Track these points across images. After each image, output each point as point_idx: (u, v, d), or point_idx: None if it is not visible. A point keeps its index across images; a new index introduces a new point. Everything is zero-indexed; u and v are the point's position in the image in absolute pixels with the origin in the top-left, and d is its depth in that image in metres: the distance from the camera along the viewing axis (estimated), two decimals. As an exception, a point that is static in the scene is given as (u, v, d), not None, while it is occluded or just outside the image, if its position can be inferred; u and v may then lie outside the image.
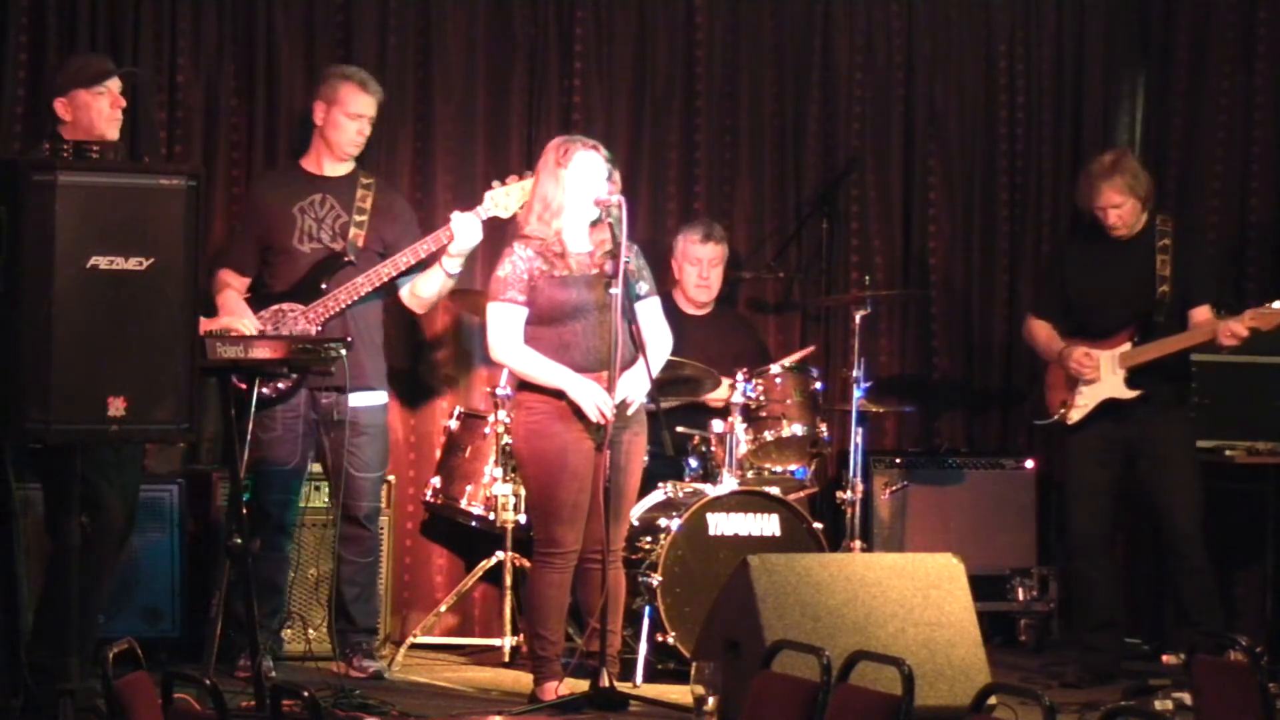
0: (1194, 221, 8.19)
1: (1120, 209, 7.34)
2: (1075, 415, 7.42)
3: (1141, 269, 7.37)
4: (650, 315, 6.89)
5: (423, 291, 7.31)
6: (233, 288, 7.22)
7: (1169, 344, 7.28)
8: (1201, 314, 7.32)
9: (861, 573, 6.64)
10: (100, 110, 6.26)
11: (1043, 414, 7.56)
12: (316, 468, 7.34)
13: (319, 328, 7.10)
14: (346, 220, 7.24)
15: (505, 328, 6.76)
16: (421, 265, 7.22)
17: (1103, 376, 7.36)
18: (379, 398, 7.32)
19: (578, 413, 6.65)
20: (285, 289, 7.19)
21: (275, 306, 7.16)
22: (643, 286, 6.86)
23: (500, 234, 7.85)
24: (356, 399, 7.12)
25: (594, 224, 6.78)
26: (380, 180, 7.46)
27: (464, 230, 7.13)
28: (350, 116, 7.24)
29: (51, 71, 7.52)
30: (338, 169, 7.32)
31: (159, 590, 7.30)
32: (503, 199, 7.20)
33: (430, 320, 8.06)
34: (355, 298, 7.16)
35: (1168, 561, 7.52)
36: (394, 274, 7.18)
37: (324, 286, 7.16)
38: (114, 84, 6.31)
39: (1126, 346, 7.34)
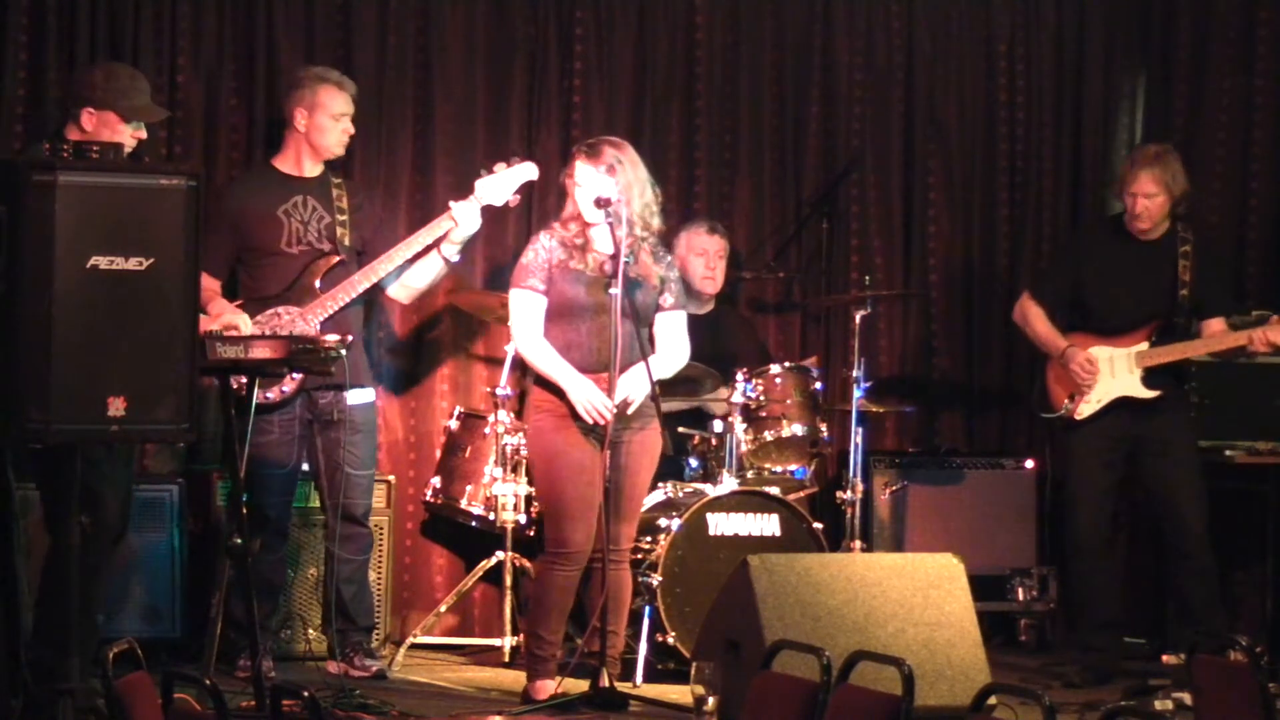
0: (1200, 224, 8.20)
1: (1150, 200, 7.32)
2: (1085, 411, 7.41)
3: (1164, 272, 7.38)
4: (671, 326, 6.89)
5: (416, 282, 7.31)
6: (210, 289, 7.11)
7: (1194, 347, 7.32)
8: (1216, 325, 7.37)
9: (861, 573, 6.64)
10: (123, 139, 6.28)
11: (1048, 407, 7.56)
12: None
13: (317, 329, 7.08)
14: (331, 221, 7.23)
15: (525, 315, 6.77)
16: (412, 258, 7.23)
17: (1116, 374, 7.36)
18: (369, 395, 7.31)
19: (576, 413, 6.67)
20: (276, 292, 7.15)
21: (270, 310, 7.12)
22: (668, 299, 6.87)
23: (499, 223, 7.85)
24: (351, 397, 7.13)
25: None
26: (348, 180, 7.46)
27: (467, 217, 7.16)
28: (334, 118, 7.22)
29: (58, 68, 7.54)
30: (313, 170, 7.30)
31: (159, 590, 7.30)
32: (494, 185, 7.20)
33: (430, 320, 8.05)
34: (353, 296, 7.15)
35: (1172, 561, 7.51)
36: (390, 269, 7.18)
37: (318, 286, 7.15)
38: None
39: (1143, 346, 7.34)
